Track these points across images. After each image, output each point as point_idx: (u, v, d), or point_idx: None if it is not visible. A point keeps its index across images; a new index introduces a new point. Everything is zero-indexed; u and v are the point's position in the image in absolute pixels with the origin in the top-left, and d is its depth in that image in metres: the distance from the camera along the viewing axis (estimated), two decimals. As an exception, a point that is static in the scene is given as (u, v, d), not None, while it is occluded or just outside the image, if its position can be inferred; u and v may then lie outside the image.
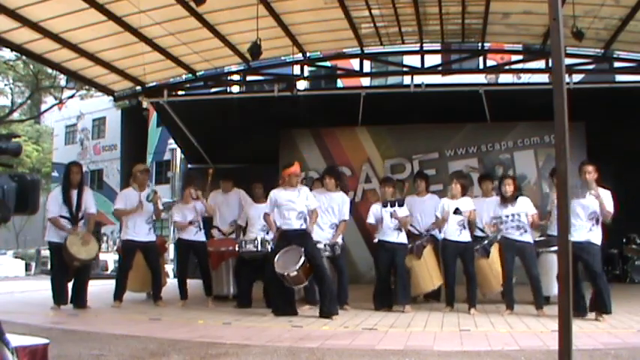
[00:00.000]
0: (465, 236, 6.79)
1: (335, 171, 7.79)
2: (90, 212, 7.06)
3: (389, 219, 6.84)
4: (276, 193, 6.46)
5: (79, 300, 6.98)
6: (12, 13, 7.26)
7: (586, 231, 5.83)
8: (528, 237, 6.46)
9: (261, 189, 7.69)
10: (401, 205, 6.95)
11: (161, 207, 7.67)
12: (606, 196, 5.91)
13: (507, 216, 6.47)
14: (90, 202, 7.12)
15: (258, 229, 7.31)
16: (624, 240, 10.24)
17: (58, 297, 6.83)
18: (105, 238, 22.51)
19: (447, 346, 4.52)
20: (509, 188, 6.49)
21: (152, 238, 7.48)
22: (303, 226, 6.31)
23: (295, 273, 6.01)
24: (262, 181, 7.83)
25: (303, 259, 6.04)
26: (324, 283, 6.22)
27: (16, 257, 20.68)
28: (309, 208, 6.42)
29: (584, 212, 5.85)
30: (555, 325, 3.28)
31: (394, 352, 4.29)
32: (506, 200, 6.51)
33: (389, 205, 6.88)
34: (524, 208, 6.47)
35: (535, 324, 5.58)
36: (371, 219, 7.02)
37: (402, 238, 6.91)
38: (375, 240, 7.05)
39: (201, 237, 7.62)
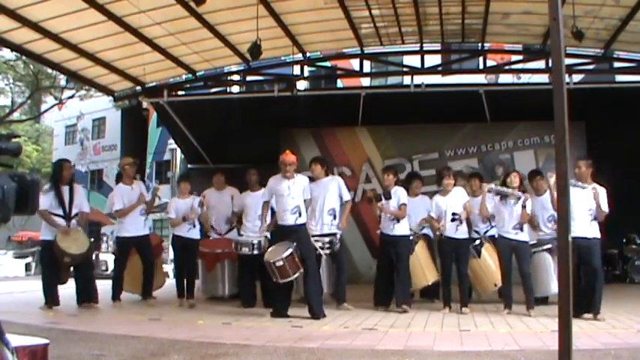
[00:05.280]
0: (462, 233, 6.77)
1: (319, 157, 7.64)
2: (84, 211, 7.05)
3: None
4: (271, 182, 6.44)
5: (86, 295, 6.95)
6: (12, 13, 7.27)
7: (586, 226, 5.82)
8: (524, 236, 6.43)
9: (255, 175, 7.53)
10: (388, 197, 6.77)
11: (157, 202, 7.73)
12: (602, 195, 5.90)
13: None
14: (83, 200, 7.15)
15: (255, 218, 7.19)
16: (624, 240, 10.24)
17: (49, 297, 6.79)
18: (105, 238, 22.47)
19: (447, 346, 4.52)
20: (515, 180, 6.45)
21: (146, 231, 7.57)
22: (299, 221, 6.26)
23: (281, 263, 5.95)
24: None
25: (290, 250, 6.01)
26: (310, 283, 6.18)
27: (15, 257, 20.64)
28: (305, 198, 6.39)
29: (581, 206, 5.81)
30: (555, 325, 3.28)
31: (394, 352, 4.29)
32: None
33: (374, 200, 6.85)
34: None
35: (535, 324, 5.58)
36: (376, 211, 7.03)
37: (398, 229, 6.73)
38: (378, 231, 7.03)
39: (194, 234, 7.59)
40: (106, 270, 17.00)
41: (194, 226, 7.58)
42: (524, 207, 6.32)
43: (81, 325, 5.66)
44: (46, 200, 6.68)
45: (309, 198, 6.53)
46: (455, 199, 6.79)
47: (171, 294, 7.71)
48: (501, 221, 6.50)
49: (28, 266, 19.37)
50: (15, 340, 1.96)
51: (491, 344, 4.55)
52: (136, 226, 7.32)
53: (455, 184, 6.93)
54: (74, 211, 6.90)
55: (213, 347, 4.48)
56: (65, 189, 6.91)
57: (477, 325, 5.58)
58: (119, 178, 7.75)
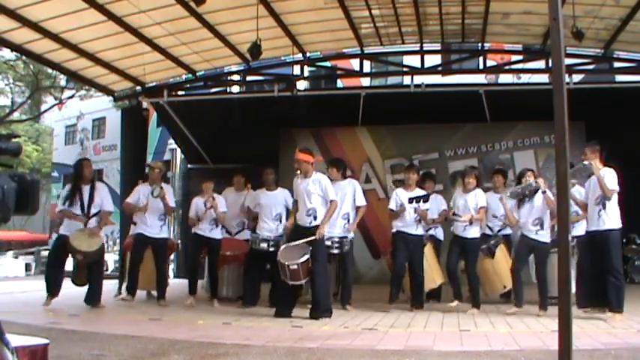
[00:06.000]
0: (472, 232, 6.76)
1: (335, 160, 7.59)
2: (106, 210, 7.07)
3: (412, 212, 6.80)
4: (294, 182, 6.43)
5: (90, 298, 7.00)
6: (12, 13, 7.27)
7: (595, 218, 5.75)
8: (544, 235, 6.33)
9: (272, 174, 7.42)
10: (426, 200, 6.87)
11: (172, 204, 7.57)
12: (609, 175, 5.75)
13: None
14: (105, 199, 7.12)
15: (270, 217, 7.12)
16: (624, 240, 10.22)
17: (51, 287, 6.88)
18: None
19: (447, 346, 4.52)
20: (530, 180, 6.37)
21: (164, 235, 7.54)
22: (313, 224, 6.20)
23: (295, 267, 5.98)
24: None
25: (307, 256, 6.03)
26: (317, 284, 6.15)
27: (15, 258, 20.65)
28: (327, 199, 6.22)
29: (589, 196, 5.76)
30: (555, 325, 3.27)
31: (394, 352, 4.29)
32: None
33: (414, 201, 6.83)
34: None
35: (535, 324, 5.58)
36: (392, 205, 6.95)
37: (420, 230, 6.93)
38: (394, 229, 6.94)
39: (216, 234, 7.52)
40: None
41: (216, 226, 7.48)
42: (544, 192, 6.19)
43: (81, 325, 5.66)
44: (60, 202, 6.96)
45: (332, 199, 6.25)
46: (471, 199, 6.78)
47: (172, 294, 7.71)
48: (522, 221, 6.41)
49: (28, 266, 19.38)
50: (15, 340, 1.96)
51: (491, 344, 4.55)
52: (152, 228, 7.31)
53: (478, 185, 6.92)
54: (93, 211, 6.92)
55: (213, 347, 4.48)
56: (86, 188, 6.95)
57: (477, 325, 5.58)
58: (146, 179, 7.79)
